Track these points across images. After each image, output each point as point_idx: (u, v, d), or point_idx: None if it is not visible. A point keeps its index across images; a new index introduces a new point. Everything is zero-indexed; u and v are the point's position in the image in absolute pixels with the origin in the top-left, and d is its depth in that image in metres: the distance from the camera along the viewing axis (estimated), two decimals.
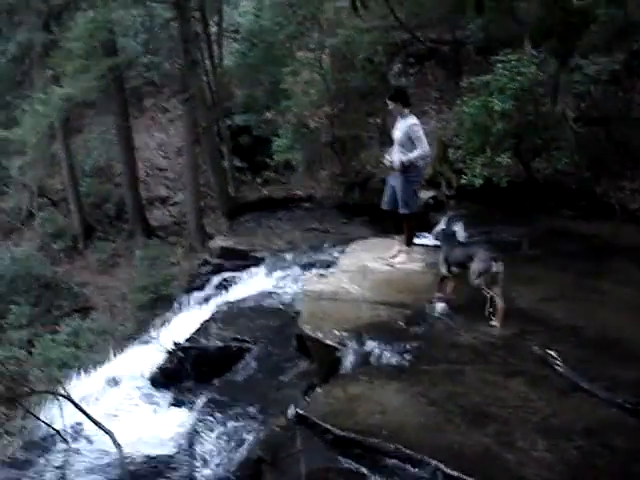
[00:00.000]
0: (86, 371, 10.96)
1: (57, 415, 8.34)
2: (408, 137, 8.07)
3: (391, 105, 8.29)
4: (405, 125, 8.11)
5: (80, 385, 10.29)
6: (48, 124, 14.59)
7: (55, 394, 5.31)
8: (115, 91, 17.13)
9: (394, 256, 8.42)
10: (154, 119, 20.77)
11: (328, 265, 9.33)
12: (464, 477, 4.08)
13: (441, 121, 13.12)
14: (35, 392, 8.61)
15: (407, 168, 8.13)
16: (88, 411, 6.72)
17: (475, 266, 6.44)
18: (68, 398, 4.86)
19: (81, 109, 19.56)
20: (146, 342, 10.94)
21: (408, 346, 5.86)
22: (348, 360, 5.93)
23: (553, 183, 10.79)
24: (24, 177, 18.74)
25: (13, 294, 16.69)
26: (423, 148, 8.07)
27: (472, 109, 10.06)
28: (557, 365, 5.38)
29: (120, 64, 14.91)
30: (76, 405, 4.82)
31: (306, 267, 10.47)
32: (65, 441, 5.39)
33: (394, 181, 8.34)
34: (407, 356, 5.73)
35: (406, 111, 8.21)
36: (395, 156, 8.18)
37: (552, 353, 5.50)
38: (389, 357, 5.79)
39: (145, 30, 16.25)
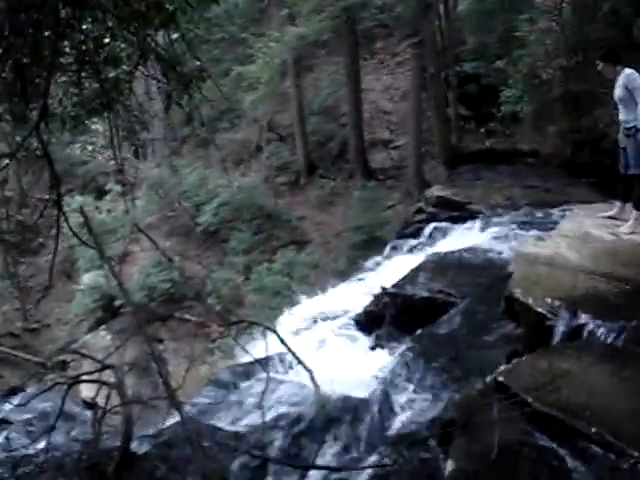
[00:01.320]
0: (296, 303, 11.43)
1: (263, 343, 8.80)
2: (626, 90, 7.56)
3: (600, 66, 7.80)
4: (621, 78, 7.60)
5: (289, 316, 10.79)
6: (281, 62, 15.06)
7: (261, 325, 5.55)
8: (347, 32, 17.30)
9: (620, 224, 7.90)
10: (383, 62, 20.79)
11: (547, 227, 8.91)
12: None
13: None
14: (243, 322, 9.10)
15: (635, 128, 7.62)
16: (291, 345, 7.02)
17: None
18: (273, 331, 5.09)
19: (313, 49, 19.98)
20: (355, 282, 11.19)
21: (625, 325, 5.46)
22: (558, 331, 5.65)
23: None
24: (255, 112, 19.55)
25: (237, 221, 17.69)
26: None
27: None
28: None
29: (354, 5, 14.94)
30: (280, 339, 5.03)
31: (523, 227, 10.11)
32: (265, 370, 5.67)
33: (625, 141, 7.82)
34: (622, 336, 5.35)
35: (618, 68, 7.67)
36: (625, 114, 7.68)
37: None
38: (602, 335, 5.43)
39: None
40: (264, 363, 7.15)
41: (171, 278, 16.44)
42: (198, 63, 5.23)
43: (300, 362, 5.17)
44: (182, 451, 5.55)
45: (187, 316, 16.13)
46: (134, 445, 5.65)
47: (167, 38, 6.10)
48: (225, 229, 17.90)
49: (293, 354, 5.18)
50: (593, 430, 4.14)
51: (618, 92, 7.70)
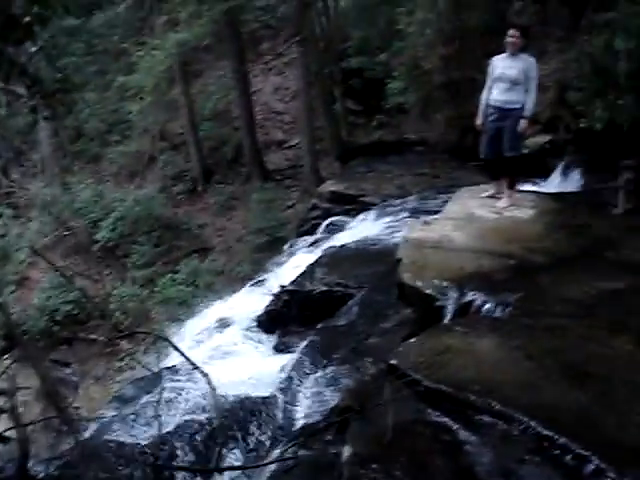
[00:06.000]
0: (201, 311, 11.33)
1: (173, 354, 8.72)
2: (526, 76, 7.85)
3: (517, 39, 7.88)
4: (522, 62, 7.87)
5: (193, 324, 10.70)
6: (165, 69, 14.88)
7: (153, 335, 5.50)
8: (231, 35, 17.22)
9: (497, 200, 8.25)
10: (270, 63, 20.82)
11: (435, 211, 9.13)
12: (557, 437, 3.91)
13: (562, 62, 12.42)
14: (135, 333, 8.98)
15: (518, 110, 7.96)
16: (196, 352, 6.97)
17: None
18: (165, 339, 5.03)
19: (199, 54, 19.85)
20: (257, 284, 11.17)
21: (510, 298, 5.65)
22: (447, 311, 5.80)
23: None
24: (145, 122, 19.27)
25: (136, 234, 17.39)
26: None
27: (592, 49, 9.49)
28: None
29: (233, 8, 14.87)
30: (173, 346, 4.97)
31: (415, 214, 10.31)
32: (161, 381, 5.59)
33: (500, 123, 8.08)
34: (508, 308, 5.53)
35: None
36: (518, 96, 7.92)
37: None
38: (489, 309, 5.61)
39: None
40: (165, 374, 7.10)
41: (73, 299, 16.01)
42: (60, 75, 5.08)
43: (195, 367, 5.14)
44: (84, 469, 5.43)
45: (92, 336, 15.76)
46: (36, 469, 5.50)
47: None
48: (125, 244, 17.57)
49: (187, 359, 5.13)
50: (483, 401, 4.25)
51: (515, 73, 7.87)
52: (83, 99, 19.93)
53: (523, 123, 7.99)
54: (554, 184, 10.65)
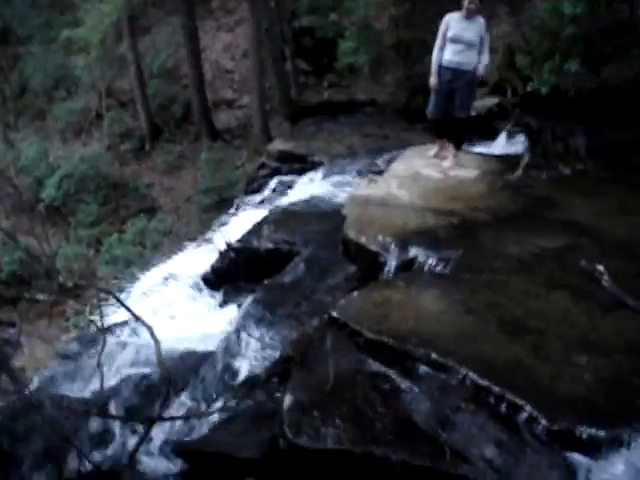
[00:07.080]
0: (148, 269, 11.26)
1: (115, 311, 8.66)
2: (481, 39, 7.92)
3: (477, 5, 7.85)
4: (480, 26, 7.94)
5: (140, 282, 10.63)
6: (111, 23, 14.54)
7: (97, 288, 5.45)
8: None
9: (442, 160, 8.34)
10: (221, 20, 20.50)
11: (382, 171, 9.17)
12: (493, 387, 4.03)
13: (511, 25, 12.51)
14: (79, 287, 8.88)
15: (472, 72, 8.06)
16: (142, 308, 6.93)
17: None
18: (109, 292, 4.99)
19: (149, 9, 19.45)
20: (204, 242, 11.13)
21: (452, 254, 5.74)
22: (390, 266, 5.87)
23: (624, 92, 10.23)
24: (92, 78, 18.86)
25: (82, 193, 17.11)
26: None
27: (541, 12, 9.57)
28: (603, 280, 5.19)
29: None
30: (117, 299, 4.94)
31: (362, 172, 10.36)
32: (104, 336, 5.56)
33: (453, 84, 8.09)
34: (450, 264, 5.62)
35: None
36: (472, 58, 7.97)
37: (599, 268, 5.30)
38: (431, 264, 5.69)
39: None
40: (109, 329, 7.06)
41: (18, 258, 15.71)
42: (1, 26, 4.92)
43: (138, 319, 5.11)
44: (27, 422, 5.40)
45: (39, 296, 15.54)
46: None
47: None
48: (71, 202, 17.28)
49: (130, 312, 5.11)
50: (422, 352, 4.34)
51: (472, 36, 7.90)
52: (28, 53, 19.46)
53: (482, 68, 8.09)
54: (500, 146, 10.78)
